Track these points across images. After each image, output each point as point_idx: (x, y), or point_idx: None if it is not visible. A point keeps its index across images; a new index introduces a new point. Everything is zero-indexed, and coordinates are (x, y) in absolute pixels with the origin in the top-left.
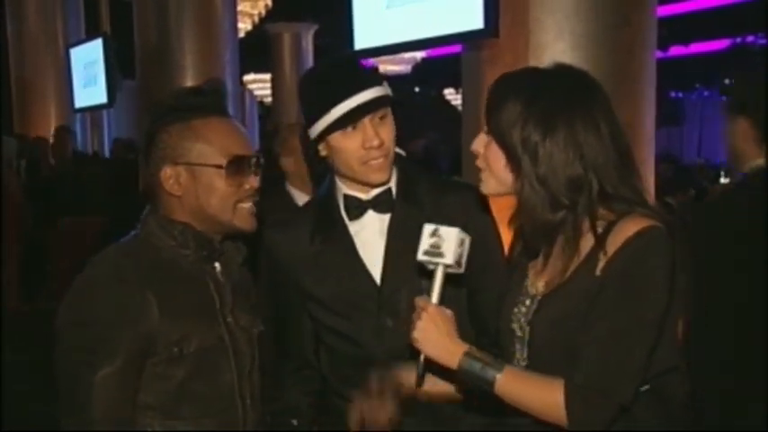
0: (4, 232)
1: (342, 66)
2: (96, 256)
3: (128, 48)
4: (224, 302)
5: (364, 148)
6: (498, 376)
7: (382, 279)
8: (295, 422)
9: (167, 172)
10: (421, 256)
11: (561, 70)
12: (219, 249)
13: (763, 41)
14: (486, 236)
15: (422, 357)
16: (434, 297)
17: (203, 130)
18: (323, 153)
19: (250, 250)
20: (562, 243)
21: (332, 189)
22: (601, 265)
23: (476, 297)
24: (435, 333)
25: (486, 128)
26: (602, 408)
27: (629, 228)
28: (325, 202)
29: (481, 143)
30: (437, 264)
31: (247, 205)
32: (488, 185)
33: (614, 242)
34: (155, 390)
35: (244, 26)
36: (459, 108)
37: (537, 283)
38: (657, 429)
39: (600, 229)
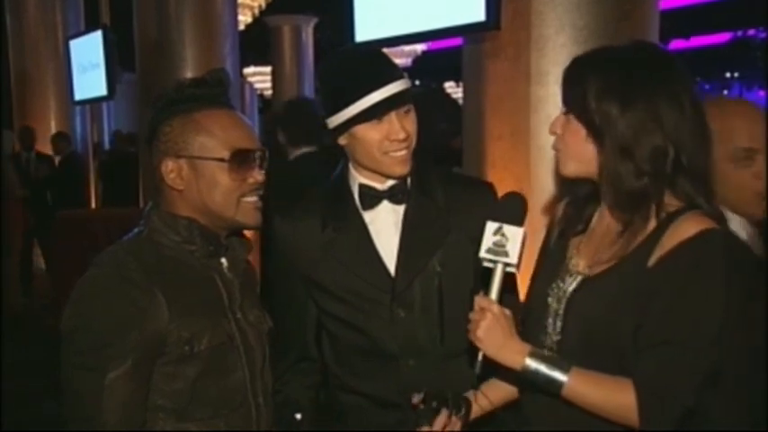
0: (4, 228)
1: (369, 57)
2: (100, 255)
3: (127, 40)
4: (232, 298)
5: (389, 140)
6: (566, 378)
7: (396, 270)
8: (299, 416)
9: (169, 165)
10: (483, 254)
11: (637, 45)
12: (225, 245)
13: (763, 35)
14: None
15: (480, 356)
16: (494, 296)
17: (206, 123)
18: (342, 142)
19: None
20: (614, 224)
21: (345, 178)
22: (654, 257)
23: None
24: (500, 333)
25: (563, 108)
26: (672, 410)
27: (689, 227)
28: (337, 191)
29: (559, 123)
30: (498, 262)
31: (251, 200)
32: (567, 167)
33: (672, 238)
34: (166, 391)
35: (244, 18)
36: (460, 101)
37: (580, 262)
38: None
39: (658, 220)
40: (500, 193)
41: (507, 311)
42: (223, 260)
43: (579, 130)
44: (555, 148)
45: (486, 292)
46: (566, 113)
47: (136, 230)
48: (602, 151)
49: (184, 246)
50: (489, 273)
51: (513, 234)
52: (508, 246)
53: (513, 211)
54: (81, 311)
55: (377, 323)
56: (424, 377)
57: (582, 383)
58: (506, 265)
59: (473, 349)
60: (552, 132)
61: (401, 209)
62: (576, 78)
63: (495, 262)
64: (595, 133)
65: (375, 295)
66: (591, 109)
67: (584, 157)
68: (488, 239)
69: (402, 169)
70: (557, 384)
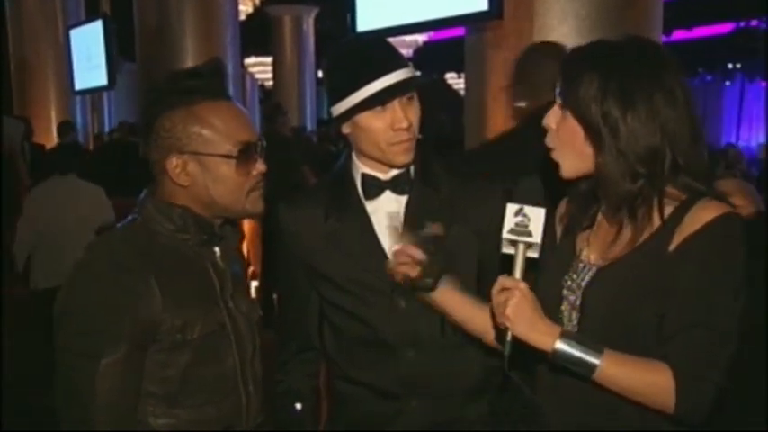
0: (5, 217)
1: (373, 45)
2: (93, 241)
3: (127, 29)
4: (224, 287)
5: (393, 129)
6: (599, 361)
7: None
8: (299, 406)
9: (173, 162)
10: (506, 235)
11: (633, 42)
12: (219, 234)
13: (766, 26)
14: (498, 224)
15: (509, 336)
16: (518, 275)
17: (208, 116)
18: (346, 131)
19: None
20: (625, 215)
21: (348, 167)
22: (675, 243)
23: (488, 287)
24: (530, 312)
25: (559, 101)
26: (709, 392)
27: (708, 211)
28: (340, 181)
29: (555, 118)
30: (521, 243)
31: (257, 193)
32: (564, 166)
33: (692, 223)
34: (157, 378)
35: (245, 8)
36: (462, 92)
37: (591, 255)
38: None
39: (670, 208)
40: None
41: (533, 294)
42: (216, 249)
43: (577, 130)
44: (549, 145)
45: (510, 273)
46: (562, 108)
47: (130, 218)
48: (600, 153)
49: (178, 234)
50: (510, 256)
51: (536, 214)
52: (531, 226)
53: (531, 192)
54: (75, 296)
55: (377, 313)
56: (423, 368)
57: (615, 365)
58: (528, 245)
59: (500, 331)
60: (547, 126)
61: (404, 199)
62: (574, 76)
63: (516, 242)
64: (594, 135)
65: (376, 285)
66: (591, 111)
67: (583, 156)
68: (510, 221)
69: (406, 158)
70: (589, 367)
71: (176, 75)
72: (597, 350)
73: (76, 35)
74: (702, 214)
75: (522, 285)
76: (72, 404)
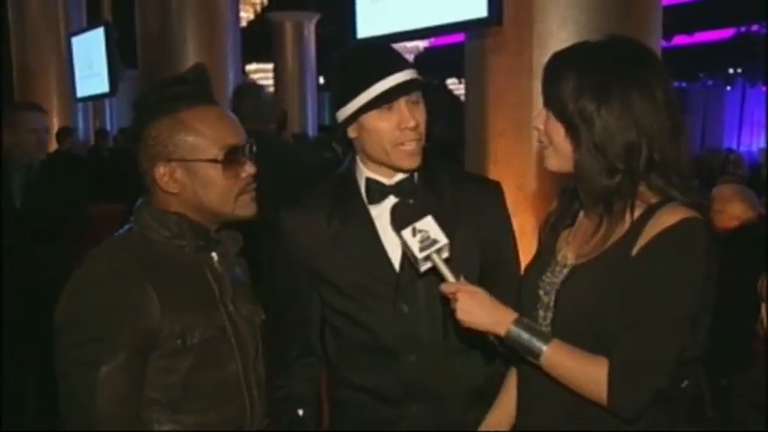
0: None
1: (377, 48)
2: (92, 250)
3: (129, 36)
4: (224, 292)
5: (399, 130)
6: (545, 348)
7: (401, 265)
8: (301, 412)
9: (161, 170)
10: (421, 255)
11: (614, 41)
12: (215, 239)
13: (767, 30)
14: (501, 232)
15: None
16: (452, 278)
17: (193, 122)
18: (352, 135)
19: (251, 236)
20: (600, 216)
21: (353, 171)
22: (637, 246)
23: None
24: (477, 307)
25: (544, 104)
26: (641, 391)
27: (670, 216)
28: (344, 184)
29: (541, 119)
30: (432, 253)
31: (248, 195)
32: (551, 162)
33: (654, 227)
34: (159, 384)
35: (246, 15)
36: (462, 97)
37: (568, 254)
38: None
39: (639, 210)
40: (505, 190)
41: (474, 288)
42: (213, 254)
43: (559, 128)
44: (539, 141)
45: (443, 281)
46: (546, 109)
47: (127, 227)
48: (578, 149)
49: (174, 241)
50: (434, 270)
51: (427, 224)
52: (432, 234)
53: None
54: (74, 305)
55: (380, 318)
56: (425, 373)
57: (559, 354)
58: (440, 250)
59: (479, 333)
60: (535, 128)
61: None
62: (552, 76)
63: (429, 255)
64: (572, 131)
65: (379, 289)
66: (568, 108)
67: (567, 154)
68: (414, 245)
69: (411, 162)
70: (535, 352)
71: (161, 83)
72: (545, 338)
73: (78, 42)
74: (664, 218)
75: (461, 287)
76: (74, 411)
